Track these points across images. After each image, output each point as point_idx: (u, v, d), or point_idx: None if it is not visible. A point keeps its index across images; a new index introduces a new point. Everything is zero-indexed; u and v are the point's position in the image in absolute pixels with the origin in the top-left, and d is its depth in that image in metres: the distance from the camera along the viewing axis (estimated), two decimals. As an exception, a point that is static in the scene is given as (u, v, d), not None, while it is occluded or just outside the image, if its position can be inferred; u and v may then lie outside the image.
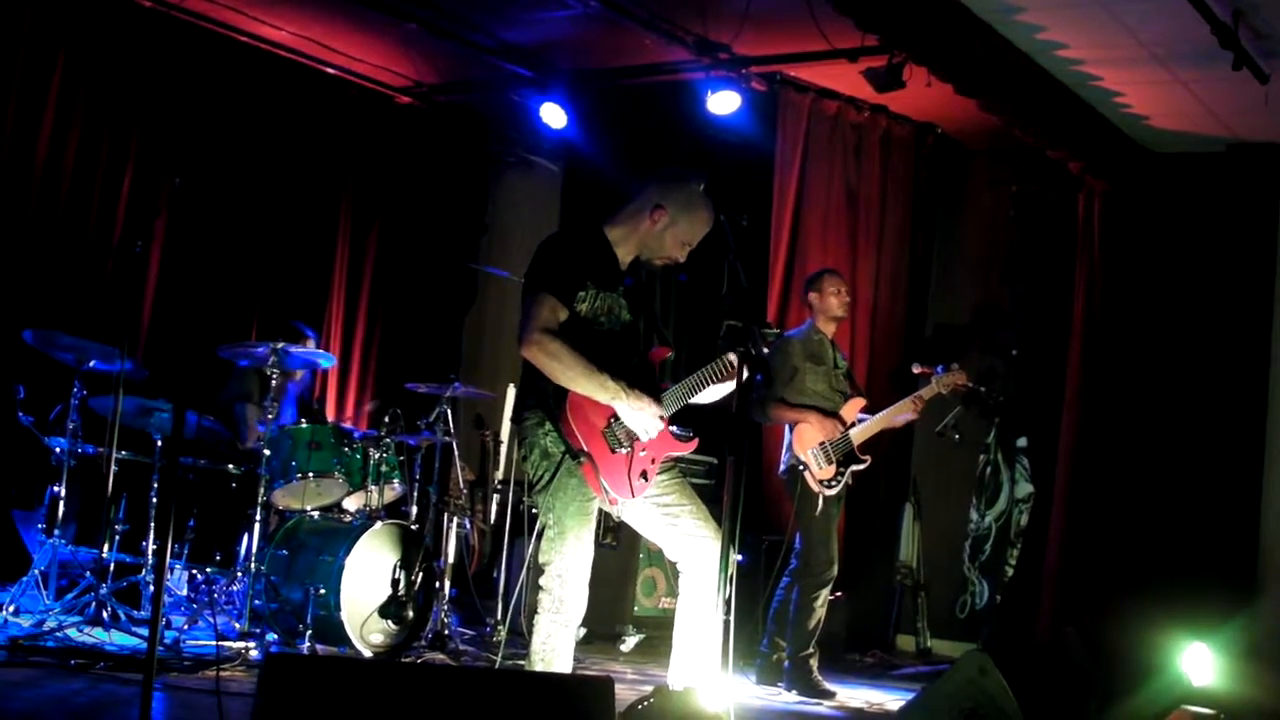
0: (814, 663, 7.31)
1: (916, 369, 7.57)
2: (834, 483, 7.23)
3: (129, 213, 9.02)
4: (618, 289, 4.97)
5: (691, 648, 4.92)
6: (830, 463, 7.22)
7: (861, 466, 7.31)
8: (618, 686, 4.02)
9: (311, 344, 8.15)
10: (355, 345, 10.63)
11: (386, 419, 7.47)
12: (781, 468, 7.44)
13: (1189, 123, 8.57)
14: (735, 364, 4.74)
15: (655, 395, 4.87)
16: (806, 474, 7.21)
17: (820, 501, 7.22)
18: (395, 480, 7.55)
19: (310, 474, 7.23)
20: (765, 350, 4.72)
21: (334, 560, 6.85)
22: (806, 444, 7.23)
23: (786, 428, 7.39)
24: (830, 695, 7.26)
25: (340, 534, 7.04)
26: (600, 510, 4.96)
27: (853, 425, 7.31)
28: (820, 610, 7.28)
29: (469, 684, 3.88)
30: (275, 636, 6.81)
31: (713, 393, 4.96)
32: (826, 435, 7.23)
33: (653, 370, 4.97)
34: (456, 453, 7.83)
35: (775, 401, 7.32)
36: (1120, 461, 8.88)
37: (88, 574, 6.73)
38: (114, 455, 6.93)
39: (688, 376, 4.93)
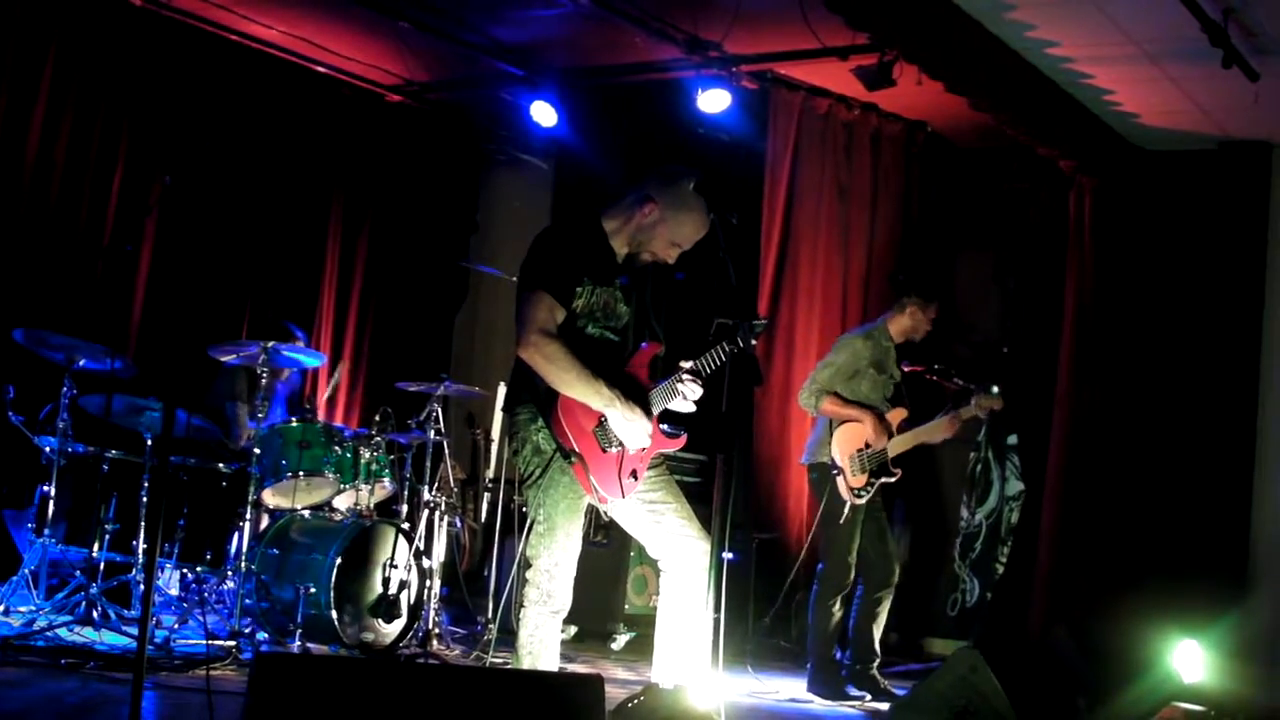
0: (848, 665, 7.28)
1: (906, 367, 7.52)
2: (864, 492, 7.10)
3: (119, 211, 9.01)
4: (614, 283, 4.96)
5: (674, 646, 4.92)
6: (864, 471, 7.12)
7: (892, 479, 7.19)
8: (608, 685, 4.02)
9: (300, 344, 8.14)
10: (346, 344, 10.61)
11: (377, 417, 7.47)
12: (806, 458, 7.34)
13: (1179, 120, 8.58)
14: (692, 373, 4.83)
15: (644, 400, 4.87)
16: (840, 479, 7.09)
17: (847, 509, 7.13)
18: (386, 479, 7.55)
19: (301, 473, 7.22)
20: (754, 343, 4.73)
21: (324, 559, 6.85)
22: (848, 448, 7.11)
23: (821, 422, 7.28)
24: (858, 698, 7.19)
25: (331, 533, 7.03)
26: (590, 507, 4.96)
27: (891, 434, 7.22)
28: (837, 613, 7.22)
29: (459, 682, 3.88)
30: (266, 635, 6.81)
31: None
32: (875, 439, 7.11)
33: (638, 375, 4.95)
34: (448, 451, 7.82)
35: (830, 395, 7.18)
36: (1111, 459, 8.90)
37: (78, 573, 6.73)
38: (104, 454, 6.93)
39: (666, 380, 4.92)
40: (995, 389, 7.28)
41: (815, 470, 7.26)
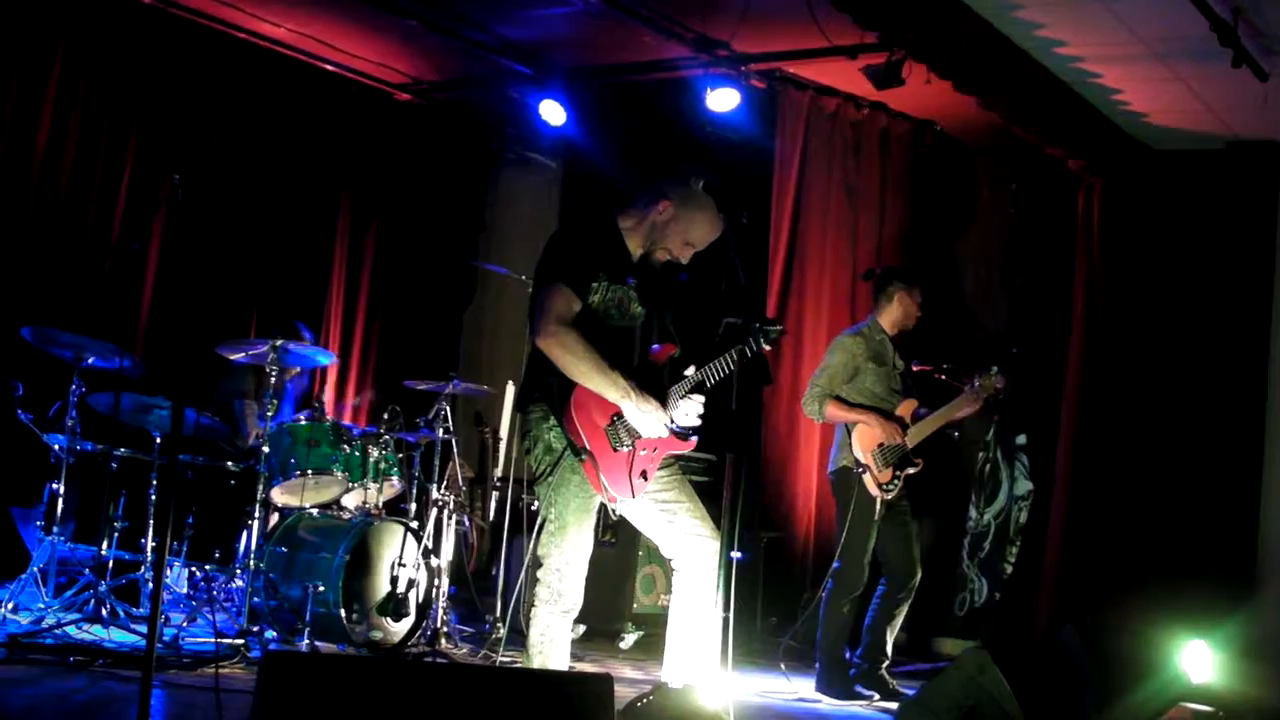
0: (856, 664, 7.27)
1: (916, 366, 7.51)
2: (891, 486, 7.09)
3: (128, 209, 9.02)
4: (629, 282, 4.96)
5: (686, 645, 4.91)
6: (888, 466, 7.10)
7: (915, 469, 7.18)
8: (617, 684, 4.02)
9: (307, 341, 8.14)
10: (354, 342, 10.62)
11: (386, 416, 7.47)
12: (831, 468, 7.31)
13: (1188, 120, 8.57)
14: (695, 388, 4.84)
15: (660, 395, 4.86)
16: (866, 477, 7.07)
17: (878, 506, 7.09)
18: (394, 477, 7.56)
19: (309, 471, 7.23)
20: (768, 348, 4.73)
21: (333, 558, 6.86)
22: (869, 444, 7.09)
23: (840, 427, 7.25)
24: (866, 698, 7.18)
25: (339, 531, 7.04)
26: (600, 506, 4.95)
27: (904, 426, 7.21)
28: (849, 613, 7.20)
29: (468, 681, 3.88)
30: (274, 634, 6.81)
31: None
32: (888, 437, 7.10)
33: (657, 369, 4.96)
34: (456, 450, 7.82)
35: (832, 399, 7.17)
36: (1119, 459, 8.88)
37: (87, 571, 6.73)
38: (113, 452, 6.93)
39: (674, 386, 4.91)
40: (995, 369, 7.27)
41: (838, 475, 7.24)
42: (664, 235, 4.97)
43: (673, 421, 4.89)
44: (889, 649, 7.32)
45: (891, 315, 7.39)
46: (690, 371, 4.89)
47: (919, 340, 8.29)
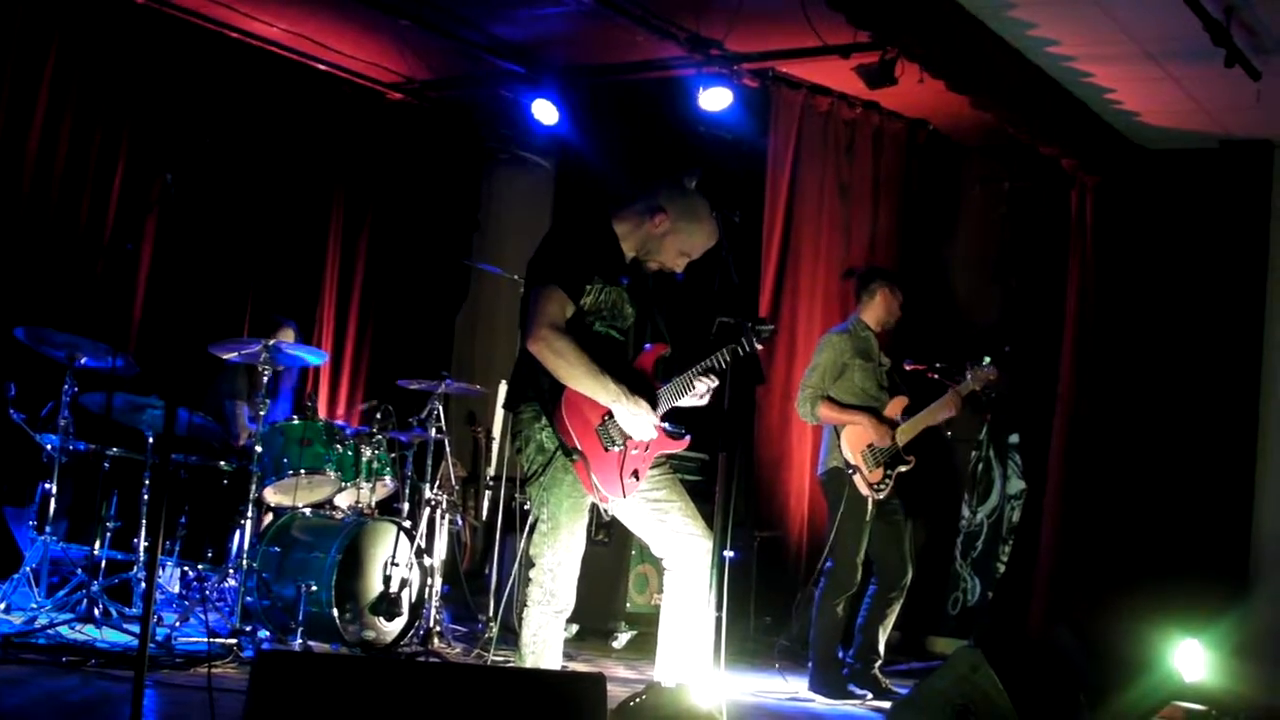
0: (847, 665, 7.28)
1: (909, 366, 7.52)
2: (882, 486, 7.11)
3: (120, 209, 9.01)
4: (622, 282, 4.96)
5: (679, 644, 4.91)
6: (878, 465, 7.13)
7: (907, 467, 7.20)
8: (610, 683, 4.02)
9: (290, 332, 8.13)
10: (347, 342, 10.60)
11: (379, 415, 7.47)
12: (821, 469, 7.33)
13: (1181, 119, 8.58)
14: (707, 370, 4.83)
15: (650, 396, 4.86)
16: (857, 478, 7.09)
17: (869, 506, 7.12)
18: (387, 477, 7.55)
19: (302, 470, 7.22)
20: (759, 347, 4.73)
21: (326, 557, 6.85)
22: (859, 444, 7.11)
23: (829, 428, 7.27)
24: (859, 697, 7.19)
25: (332, 530, 7.03)
26: (591, 505, 4.95)
27: (895, 425, 7.23)
28: (842, 613, 7.21)
29: (461, 681, 3.88)
30: (267, 633, 6.80)
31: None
32: (878, 439, 7.13)
33: (645, 372, 4.96)
34: (449, 449, 7.82)
35: (824, 400, 7.20)
36: (1112, 458, 8.89)
37: (79, 571, 6.73)
38: (106, 452, 6.93)
39: (678, 377, 4.92)
40: (987, 359, 7.28)
41: (829, 476, 7.25)
42: (659, 247, 4.97)
43: (664, 421, 4.89)
44: (881, 648, 7.33)
45: (875, 312, 7.44)
46: (701, 364, 4.89)
47: (912, 340, 8.30)
